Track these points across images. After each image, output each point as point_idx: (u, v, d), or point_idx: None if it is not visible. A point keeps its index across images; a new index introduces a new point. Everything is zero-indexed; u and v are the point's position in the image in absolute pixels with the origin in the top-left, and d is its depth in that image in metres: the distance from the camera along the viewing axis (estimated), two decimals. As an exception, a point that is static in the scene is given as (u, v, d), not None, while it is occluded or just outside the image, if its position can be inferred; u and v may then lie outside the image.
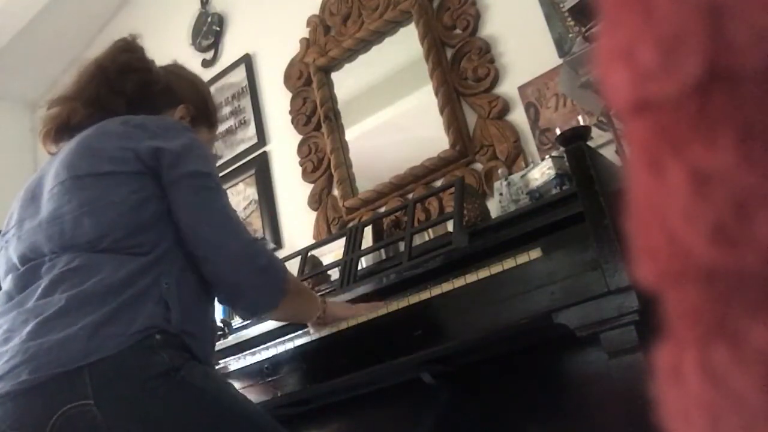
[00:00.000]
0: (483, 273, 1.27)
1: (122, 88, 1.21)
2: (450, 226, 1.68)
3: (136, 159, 1.06)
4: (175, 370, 0.96)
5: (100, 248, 1.01)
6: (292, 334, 1.51)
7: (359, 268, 1.68)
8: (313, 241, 2.24)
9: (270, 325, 1.64)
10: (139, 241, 1.03)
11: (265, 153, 2.80)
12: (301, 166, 2.60)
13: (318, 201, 2.51)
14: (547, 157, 1.56)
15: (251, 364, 1.57)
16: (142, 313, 0.97)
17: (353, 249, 1.70)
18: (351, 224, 2.17)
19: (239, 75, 2.95)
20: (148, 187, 1.06)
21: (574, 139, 1.25)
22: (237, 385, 1.57)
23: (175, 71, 1.37)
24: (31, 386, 0.90)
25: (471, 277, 1.28)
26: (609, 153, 1.77)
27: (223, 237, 1.07)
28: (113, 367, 0.92)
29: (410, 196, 2.21)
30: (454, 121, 2.17)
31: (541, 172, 1.54)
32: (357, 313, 1.41)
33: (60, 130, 1.19)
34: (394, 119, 2.42)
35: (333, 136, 2.48)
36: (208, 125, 1.36)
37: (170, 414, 0.93)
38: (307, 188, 2.56)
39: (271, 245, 2.64)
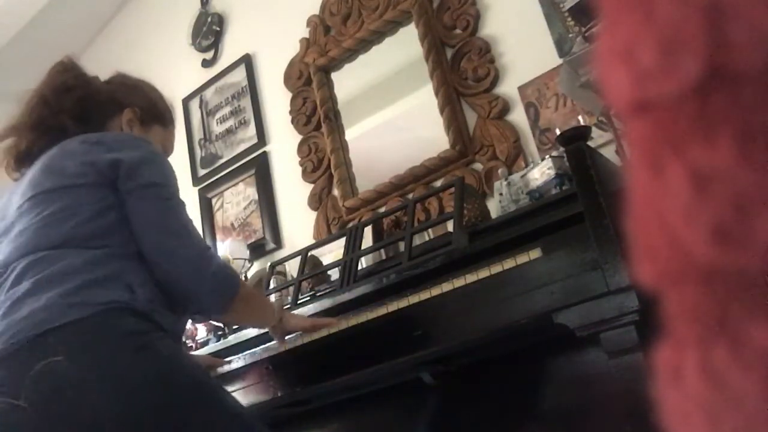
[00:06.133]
0: (483, 273, 1.27)
1: (62, 107, 1.26)
2: (450, 226, 1.68)
3: (96, 171, 1.13)
4: (140, 333, 1.02)
5: (63, 247, 1.08)
6: (293, 334, 1.51)
7: (359, 268, 1.68)
8: (313, 241, 2.24)
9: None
10: (103, 243, 1.10)
11: (265, 153, 2.80)
12: (301, 166, 2.60)
13: (318, 201, 2.51)
14: (547, 157, 1.56)
15: (251, 364, 1.57)
16: (107, 292, 1.04)
17: (353, 249, 1.70)
18: (351, 224, 2.17)
19: (239, 75, 2.95)
20: (109, 196, 1.12)
21: (574, 139, 1.25)
22: (237, 385, 1.57)
23: (119, 80, 1.40)
24: (7, 354, 0.98)
25: (471, 277, 1.28)
26: (609, 153, 1.77)
27: (175, 244, 1.13)
28: (81, 329, 0.99)
29: (410, 196, 2.21)
30: (454, 121, 2.17)
31: (541, 172, 1.54)
32: (313, 328, 1.45)
33: (20, 159, 1.26)
34: (394, 119, 2.42)
35: (333, 136, 2.48)
36: (161, 123, 1.40)
37: (137, 374, 0.99)
38: (307, 188, 2.56)
39: (272, 245, 2.65)
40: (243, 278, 2.44)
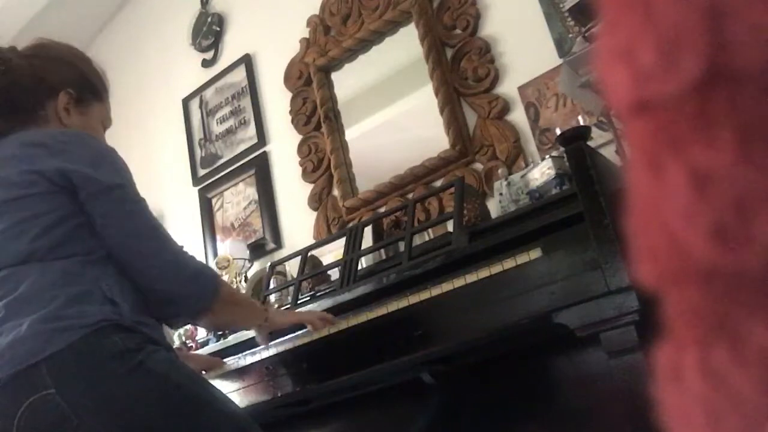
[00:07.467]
0: (483, 273, 1.27)
1: None
2: (450, 226, 1.68)
3: (45, 180, 1.04)
4: (131, 352, 0.98)
5: (27, 262, 1.02)
6: (292, 335, 1.51)
7: (359, 268, 1.68)
8: (313, 241, 2.24)
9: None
10: (69, 252, 1.03)
11: (265, 153, 2.80)
12: (301, 166, 2.60)
13: (318, 201, 2.51)
14: (547, 157, 1.56)
15: (251, 364, 1.57)
16: (90, 310, 0.98)
17: (353, 249, 1.70)
18: (351, 224, 2.17)
19: (239, 75, 2.95)
20: (65, 204, 1.04)
21: (574, 139, 1.25)
22: (237, 385, 1.57)
23: (40, 54, 1.21)
24: None
25: (471, 277, 1.28)
26: (609, 153, 1.77)
27: (153, 248, 1.08)
28: (68, 357, 0.94)
29: (410, 196, 2.21)
30: (454, 121, 2.17)
31: (541, 172, 1.54)
32: (300, 320, 1.45)
33: None
34: (394, 119, 2.42)
35: (333, 136, 2.48)
36: (97, 97, 1.25)
37: (132, 396, 0.95)
38: (307, 188, 2.56)
39: (272, 245, 2.65)
40: (243, 278, 2.44)
